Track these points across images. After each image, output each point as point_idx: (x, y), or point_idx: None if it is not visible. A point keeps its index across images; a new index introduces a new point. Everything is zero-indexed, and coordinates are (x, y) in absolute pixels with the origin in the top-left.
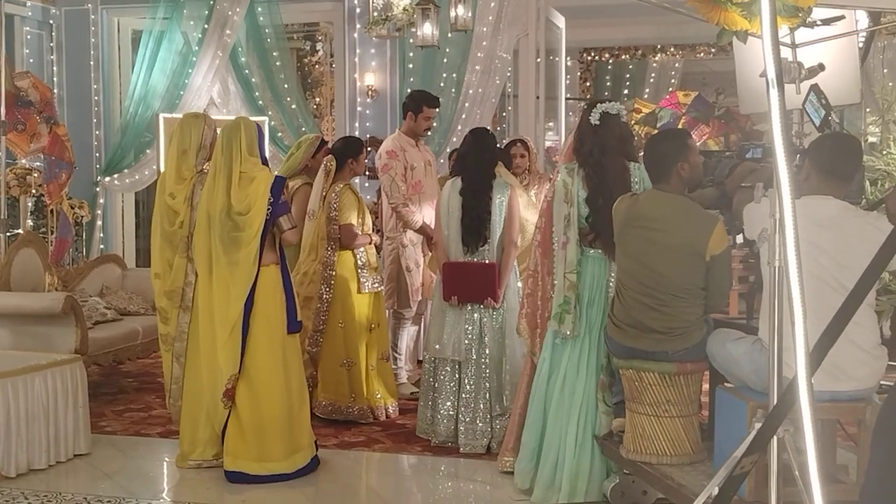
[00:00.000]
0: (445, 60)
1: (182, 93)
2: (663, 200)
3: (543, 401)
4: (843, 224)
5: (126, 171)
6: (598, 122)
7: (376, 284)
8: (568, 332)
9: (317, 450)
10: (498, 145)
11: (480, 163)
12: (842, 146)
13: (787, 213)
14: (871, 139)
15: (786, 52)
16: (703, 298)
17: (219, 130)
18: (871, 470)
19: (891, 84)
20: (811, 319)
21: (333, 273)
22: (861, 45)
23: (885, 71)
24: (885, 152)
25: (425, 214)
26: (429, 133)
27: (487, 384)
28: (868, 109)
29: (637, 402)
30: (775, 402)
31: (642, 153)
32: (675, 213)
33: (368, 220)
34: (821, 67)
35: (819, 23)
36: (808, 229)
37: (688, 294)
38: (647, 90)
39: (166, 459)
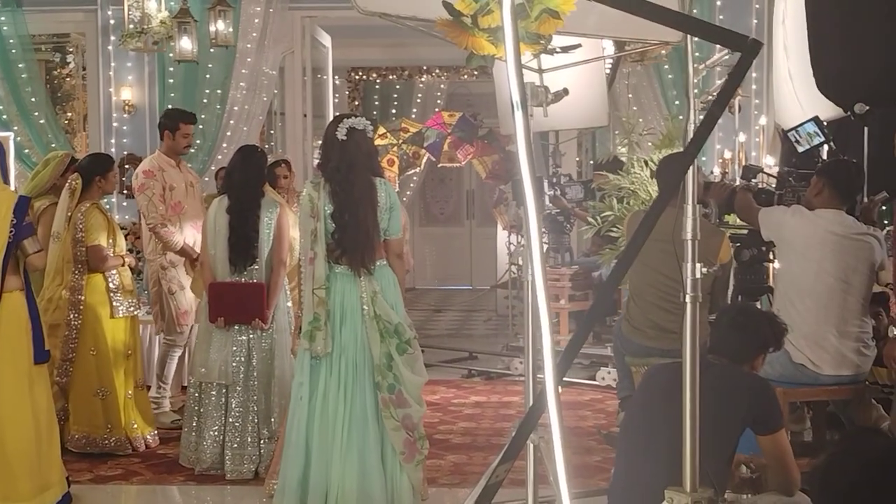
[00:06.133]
0: (208, 76)
1: None
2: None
3: (305, 425)
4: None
5: None
6: (344, 138)
7: (132, 308)
8: (319, 349)
9: (69, 486)
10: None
11: (248, 181)
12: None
13: (534, 232)
14: (622, 160)
15: (534, 77)
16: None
17: None
18: (617, 466)
19: (635, 108)
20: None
21: (82, 298)
22: (609, 71)
23: (630, 96)
24: (631, 172)
25: (187, 235)
26: (190, 150)
27: (255, 407)
28: (616, 132)
29: None
30: (528, 409)
31: (655, 171)
32: None
33: (121, 240)
34: (565, 92)
35: (559, 50)
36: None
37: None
38: (415, 110)
39: None
